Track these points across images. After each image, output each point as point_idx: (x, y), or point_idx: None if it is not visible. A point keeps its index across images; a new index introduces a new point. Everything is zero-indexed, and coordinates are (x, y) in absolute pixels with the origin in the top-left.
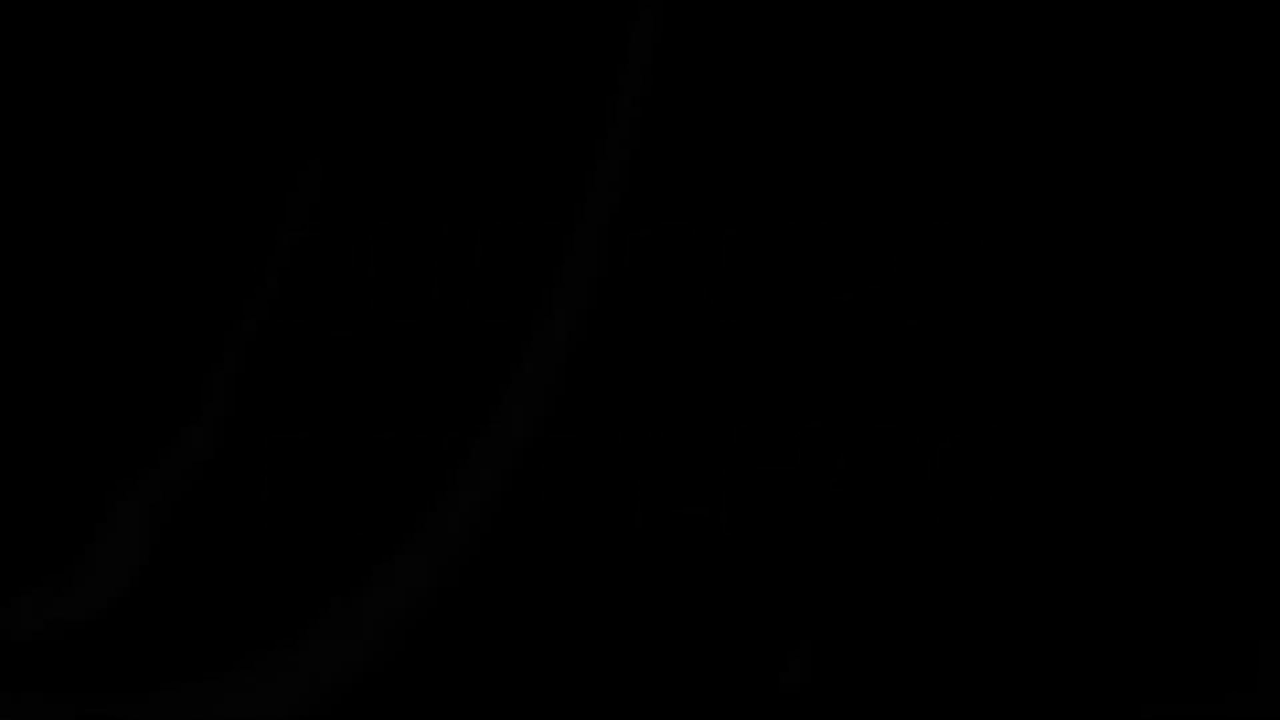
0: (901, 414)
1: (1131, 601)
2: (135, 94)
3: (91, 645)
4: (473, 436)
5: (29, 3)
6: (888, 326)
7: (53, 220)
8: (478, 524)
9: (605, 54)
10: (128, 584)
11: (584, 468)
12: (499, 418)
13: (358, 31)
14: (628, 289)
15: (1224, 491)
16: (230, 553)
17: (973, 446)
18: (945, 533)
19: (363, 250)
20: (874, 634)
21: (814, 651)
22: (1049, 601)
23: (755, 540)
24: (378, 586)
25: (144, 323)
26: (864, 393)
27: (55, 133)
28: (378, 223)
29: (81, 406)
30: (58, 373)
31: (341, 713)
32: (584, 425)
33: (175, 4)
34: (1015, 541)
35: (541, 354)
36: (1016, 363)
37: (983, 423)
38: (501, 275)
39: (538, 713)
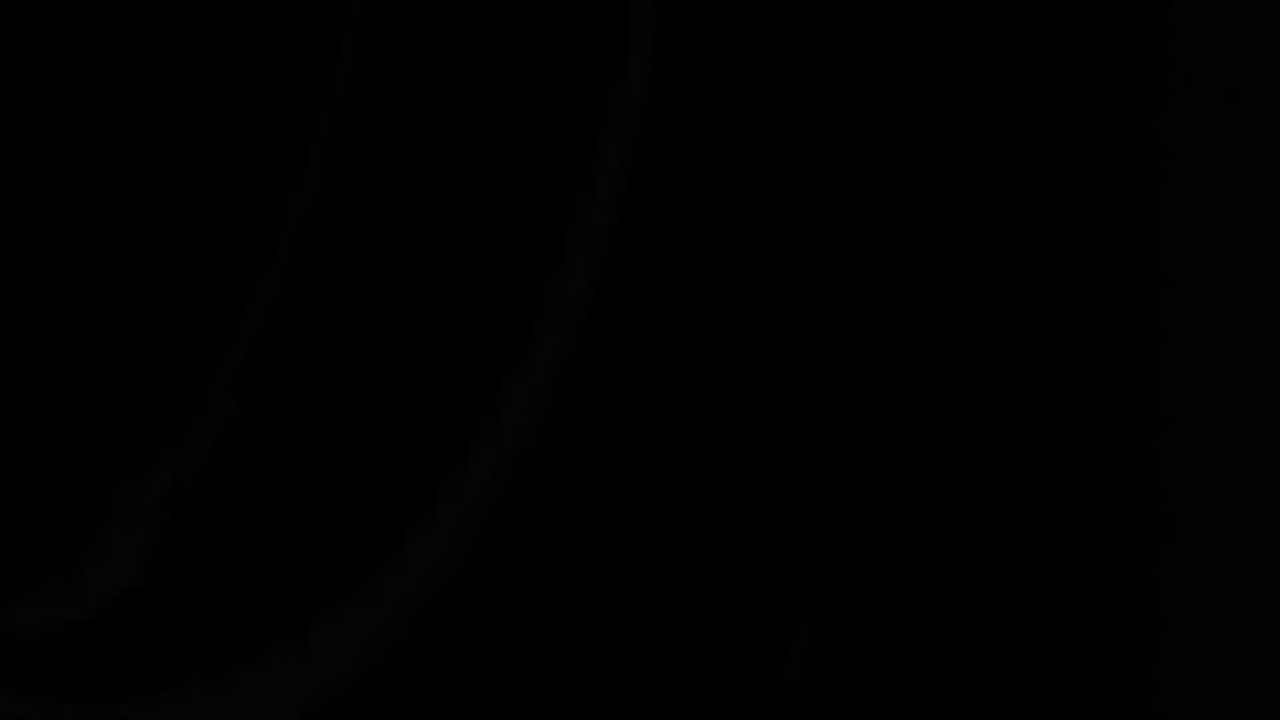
0: (901, 414)
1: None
2: (136, 93)
3: (94, 644)
4: (473, 436)
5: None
6: (888, 326)
7: (53, 220)
8: (478, 524)
9: (605, 53)
10: (131, 583)
11: (584, 467)
12: (499, 418)
13: (357, 31)
14: (627, 289)
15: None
16: (232, 552)
17: (973, 446)
18: (945, 532)
19: (363, 250)
20: (874, 633)
21: (813, 651)
22: (1049, 601)
23: (755, 540)
24: (379, 586)
25: (145, 322)
26: (864, 393)
27: (54, 132)
28: (378, 222)
29: (82, 406)
30: (59, 372)
31: (342, 712)
32: (584, 425)
33: (175, 3)
34: (1015, 541)
35: (541, 354)
36: (1017, 362)
37: (983, 422)
38: (501, 275)
39: (538, 712)
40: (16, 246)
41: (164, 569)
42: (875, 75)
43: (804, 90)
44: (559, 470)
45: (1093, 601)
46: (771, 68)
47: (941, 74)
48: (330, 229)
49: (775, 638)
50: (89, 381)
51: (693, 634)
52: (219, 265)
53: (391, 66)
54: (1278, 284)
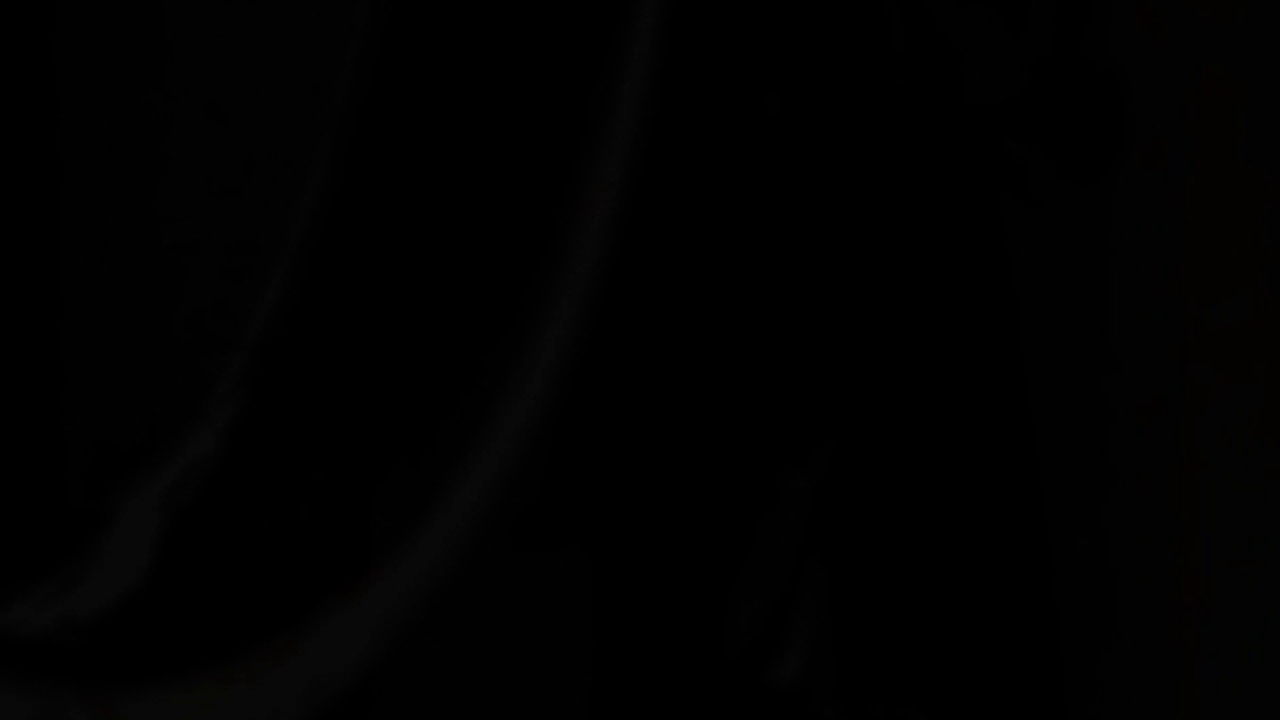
0: (901, 414)
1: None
2: (135, 93)
3: (98, 641)
4: (473, 436)
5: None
6: (887, 326)
7: (56, 220)
8: (478, 523)
9: (605, 53)
10: (134, 581)
11: (584, 468)
12: (499, 418)
13: (360, 31)
14: (627, 289)
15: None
16: (235, 552)
17: (973, 446)
18: (945, 532)
19: (363, 250)
20: (874, 633)
21: (813, 651)
22: (1048, 600)
23: (755, 540)
24: (380, 586)
25: (147, 322)
26: (863, 394)
27: (56, 131)
28: (379, 223)
29: (83, 406)
30: (61, 372)
31: (344, 712)
32: (584, 425)
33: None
34: (1014, 541)
35: (541, 354)
36: (1016, 363)
37: (983, 422)
38: (502, 275)
39: (538, 712)
40: (18, 247)
41: (167, 567)
42: (875, 76)
43: (803, 92)
44: (559, 470)
45: (1093, 600)
46: (771, 68)
47: (945, 77)
48: (331, 229)
49: (775, 638)
50: (90, 381)
51: (691, 634)
52: (220, 266)
53: (392, 67)
54: None
